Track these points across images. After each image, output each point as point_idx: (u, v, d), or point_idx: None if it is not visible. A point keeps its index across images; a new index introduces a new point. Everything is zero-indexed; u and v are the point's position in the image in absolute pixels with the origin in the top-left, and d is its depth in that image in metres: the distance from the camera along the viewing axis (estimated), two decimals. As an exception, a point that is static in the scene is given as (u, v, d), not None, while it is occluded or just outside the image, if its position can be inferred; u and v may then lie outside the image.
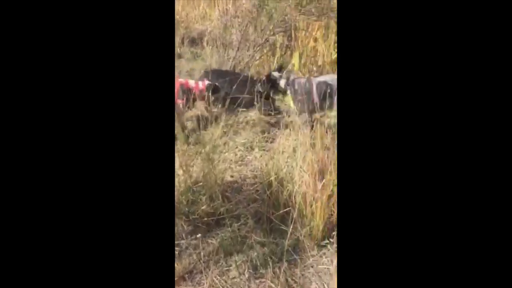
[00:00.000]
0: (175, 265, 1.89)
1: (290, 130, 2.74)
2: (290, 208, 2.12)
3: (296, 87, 3.00)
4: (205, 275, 1.88)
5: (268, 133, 3.15)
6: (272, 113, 3.30)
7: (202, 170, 2.23)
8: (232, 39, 4.17)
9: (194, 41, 4.95)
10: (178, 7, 5.29)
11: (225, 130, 2.99)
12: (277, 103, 3.48)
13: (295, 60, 4.04)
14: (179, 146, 2.32)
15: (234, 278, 1.89)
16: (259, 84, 3.26)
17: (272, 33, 4.11)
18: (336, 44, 3.94)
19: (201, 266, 1.91)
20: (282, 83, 3.11)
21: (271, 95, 3.26)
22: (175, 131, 2.35)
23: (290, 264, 1.96)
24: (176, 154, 2.16)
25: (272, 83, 3.17)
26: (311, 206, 2.06)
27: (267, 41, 4.07)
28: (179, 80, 3.09)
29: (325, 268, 1.96)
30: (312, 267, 1.97)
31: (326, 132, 2.44)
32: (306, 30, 4.16)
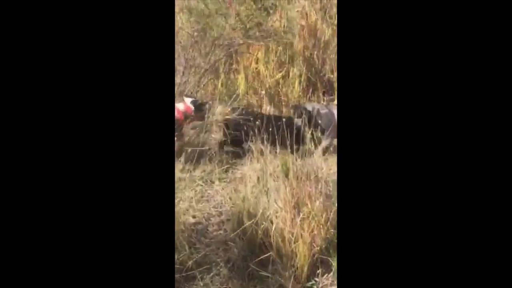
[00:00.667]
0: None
1: (256, 157, 2.48)
2: (269, 248, 1.89)
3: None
4: None
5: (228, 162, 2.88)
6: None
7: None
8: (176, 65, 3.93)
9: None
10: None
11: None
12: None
13: (240, 82, 3.98)
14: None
15: None
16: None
17: (217, 57, 3.96)
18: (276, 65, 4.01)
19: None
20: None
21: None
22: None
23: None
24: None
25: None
26: (291, 244, 1.85)
27: (214, 65, 3.91)
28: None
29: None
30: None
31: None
32: (247, 52, 4.13)
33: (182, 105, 2.82)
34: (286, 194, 1.95)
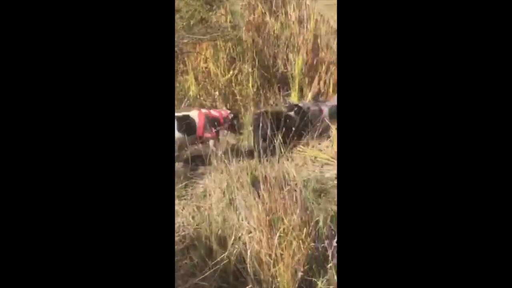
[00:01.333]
0: None
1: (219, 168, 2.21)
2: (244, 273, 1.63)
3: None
4: None
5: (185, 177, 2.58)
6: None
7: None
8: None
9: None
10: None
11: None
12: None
13: (190, 82, 3.79)
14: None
15: None
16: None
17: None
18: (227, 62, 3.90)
19: None
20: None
21: None
22: None
23: None
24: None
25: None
26: (270, 268, 1.61)
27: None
28: (202, 111, 2.85)
29: None
30: None
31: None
32: (194, 51, 3.93)
33: (224, 112, 3.00)
34: (259, 211, 1.69)
